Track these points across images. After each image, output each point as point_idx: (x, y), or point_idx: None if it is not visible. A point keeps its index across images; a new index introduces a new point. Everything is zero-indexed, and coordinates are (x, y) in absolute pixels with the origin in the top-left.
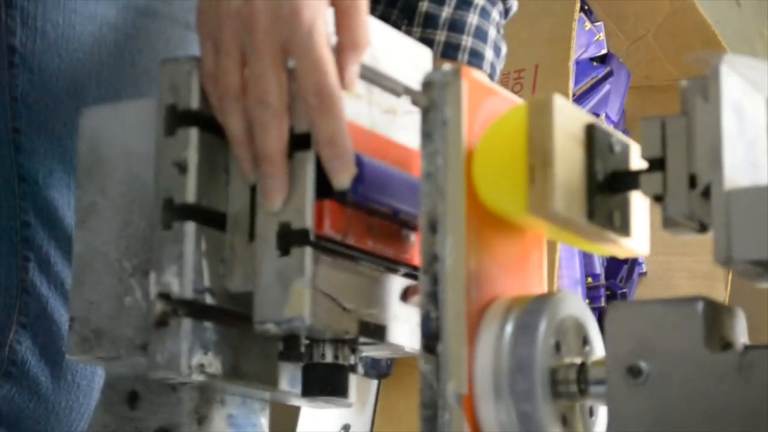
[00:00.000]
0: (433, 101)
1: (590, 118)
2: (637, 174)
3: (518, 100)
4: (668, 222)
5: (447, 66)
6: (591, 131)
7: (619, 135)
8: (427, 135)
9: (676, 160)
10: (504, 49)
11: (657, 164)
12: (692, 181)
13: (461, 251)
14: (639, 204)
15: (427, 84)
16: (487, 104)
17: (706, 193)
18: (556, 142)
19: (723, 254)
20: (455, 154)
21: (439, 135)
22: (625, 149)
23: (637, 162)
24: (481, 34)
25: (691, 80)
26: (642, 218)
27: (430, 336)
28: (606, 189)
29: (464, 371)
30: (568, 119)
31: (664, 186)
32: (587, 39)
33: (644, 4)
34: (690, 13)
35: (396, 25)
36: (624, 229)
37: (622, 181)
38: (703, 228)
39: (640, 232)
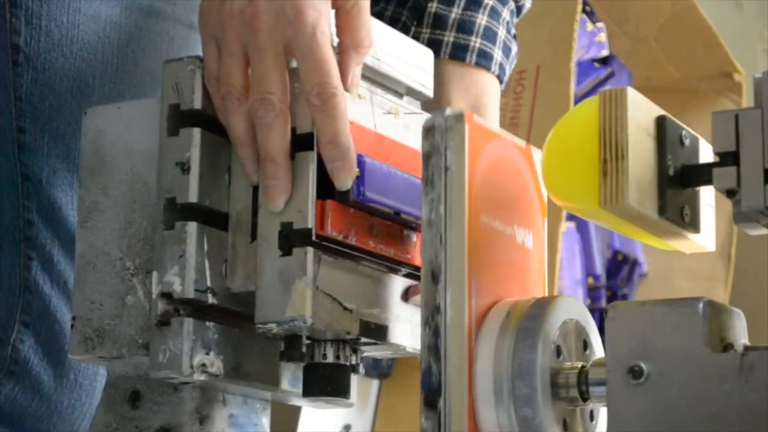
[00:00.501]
0: (434, 146)
1: (660, 111)
2: (709, 168)
3: (520, 143)
4: (741, 217)
5: (449, 110)
6: (662, 124)
7: (688, 128)
8: (428, 181)
9: (750, 153)
10: (514, 49)
11: (730, 158)
12: (767, 176)
13: (463, 302)
14: (707, 199)
15: (429, 128)
16: (490, 148)
17: None
18: (629, 135)
19: None
20: (458, 202)
21: (441, 182)
22: (695, 142)
23: (705, 156)
24: (489, 35)
25: (765, 72)
26: (709, 213)
27: (431, 391)
28: (677, 183)
29: (466, 428)
30: (641, 112)
31: (738, 180)
32: (589, 40)
33: (646, 5)
34: (691, 15)
35: (406, 26)
36: (693, 224)
37: (694, 175)
38: None
39: (707, 228)
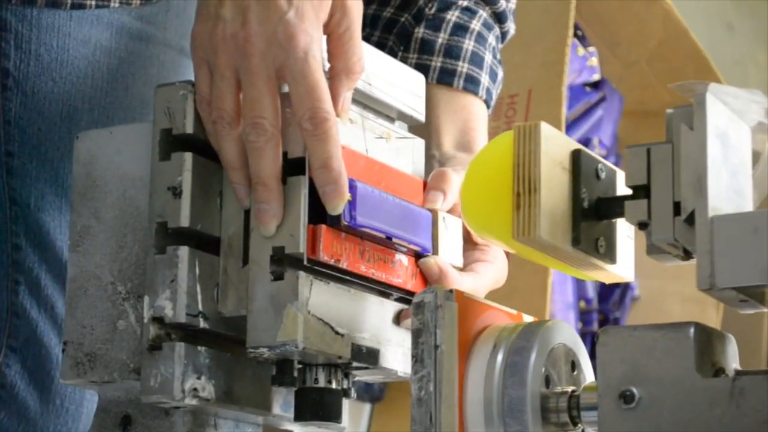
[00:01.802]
0: (424, 323)
1: (576, 145)
2: (621, 200)
3: (511, 311)
4: (653, 249)
5: (440, 288)
6: (577, 157)
7: (605, 161)
8: (418, 359)
9: (660, 187)
10: (501, 74)
11: (642, 191)
12: (677, 208)
13: None
14: (624, 230)
15: (418, 305)
16: (481, 322)
17: (690, 220)
18: (541, 169)
19: (706, 281)
20: (448, 380)
21: (431, 360)
22: (611, 175)
23: (622, 189)
24: (476, 60)
25: (677, 108)
26: (627, 244)
27: None
28: (591, 215)
29: None
30: (555, 146)
31: (649, 213)
32: (580, 64)
33: (637, 29)
34: (683, 39)
35: (392, 52)
36: (609, 255)
37: (607, 207)
38: (687, 255)
39: (625, 259)
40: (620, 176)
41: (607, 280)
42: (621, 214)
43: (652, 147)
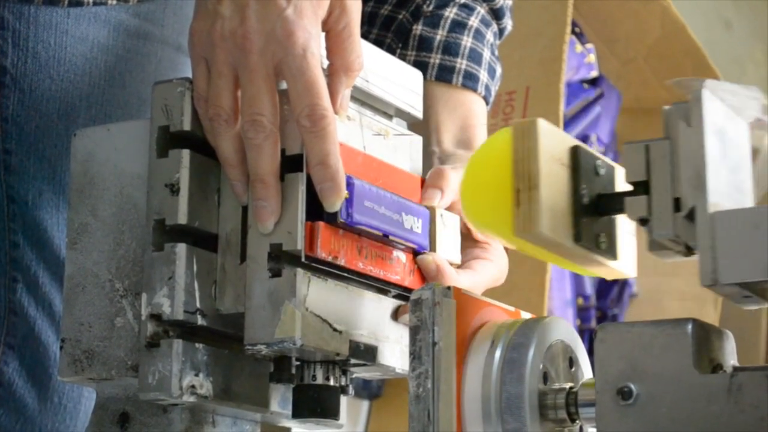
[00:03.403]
0: (422, 320)
1: (575, 141)
2: (621, 196)
3: (509, 308)
4: (654, 245)
5: (437, 285)
6: (576, 153)
7: (604, 158)
8: (415, 356)
9: (660, 183)
10: (499, 71)
11: (642, 187)
12: (677, 204)
13: None
14: (626, 226)
15: (416, 302)
16: (479, 319)
17: (691, 216)
18: (541, 165)
19: (709, 277)
20: (446, 377)
21: (429, 357)
22: (611, 172)
23: (622, 185)
24: (475, 57)
25: (674, 105)
26: (629, 240)
27: None
28: (592, 211)
29: None
30: (553, 142)
31: (649, 209)
32: (578, 61)
33: (635, 26)
34: (681, 36)
35: (390, 49)
36: (610, 251)
37: (607, 203)
38: (689, 251)
39: (627, 255)
40: (619, 172)
41: (609, 276)
42: (621, 210)
43: (651, 143)
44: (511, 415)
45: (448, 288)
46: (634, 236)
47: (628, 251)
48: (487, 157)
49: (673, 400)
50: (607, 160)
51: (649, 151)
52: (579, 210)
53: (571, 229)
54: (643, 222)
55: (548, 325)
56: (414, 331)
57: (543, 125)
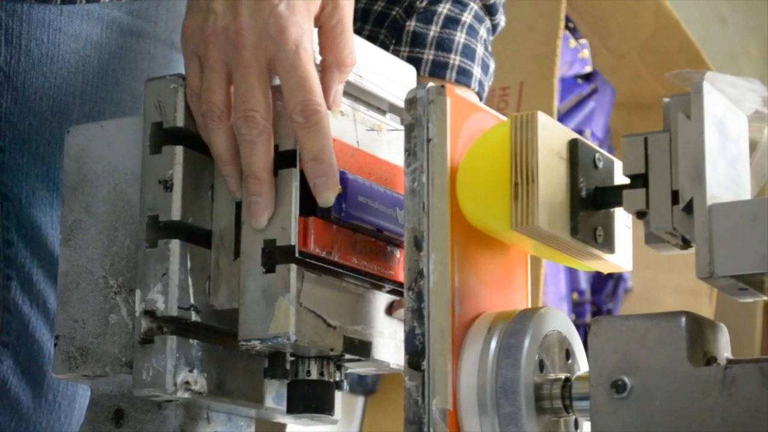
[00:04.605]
0: (417, 118)
1: (573, 134)
2: (620, 189)
3: (502, 117)
4: (651, 238)
5: (431, 83)
6: (574, 147)
7: (602, 151)
8: (410, 152)
9: (658, 176)
10: (492, 66)
11: (640, 180)
12: (675, 197)
13: (446, 267)
14: (622, 220)
15: (411, 101)
16: (471, 121)
17: (689, 208)
18: (539, 159)
19: (705, 269)
20: (440, 171)
21: (423, 152)
22: (609, 165)
23: (620, 178)
24: (468, 52)
25: (674, 97)
26: (625, 234)
27: (415, 352)
28: (589, 205)
29: (449, 387)
30: (552, 135)
31: (647, 202)
32: (572, 56)
33: (628, 21)
34: (674, 31)
35: (384, 45)
36: (608, 244)
37: (605, 197)
38: (686, 243)
39: (624, 248)
40: (617, 166)
41: (606, 270)
42: (619, 204)
43: (650, 136)
44: (506, 399)
45: (442, 86)
46: (630, 229)
47: (624, 244)
48: (484, 151)
49: (667, 393)
50: (606, 153)
51: (648, 143)
52: (577, 203)
53: (568, 222)
54: (640, 215)
55: (545, 315)
56: (409, 129)
57: (543, 118)
